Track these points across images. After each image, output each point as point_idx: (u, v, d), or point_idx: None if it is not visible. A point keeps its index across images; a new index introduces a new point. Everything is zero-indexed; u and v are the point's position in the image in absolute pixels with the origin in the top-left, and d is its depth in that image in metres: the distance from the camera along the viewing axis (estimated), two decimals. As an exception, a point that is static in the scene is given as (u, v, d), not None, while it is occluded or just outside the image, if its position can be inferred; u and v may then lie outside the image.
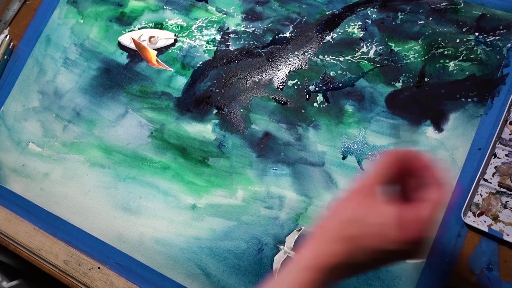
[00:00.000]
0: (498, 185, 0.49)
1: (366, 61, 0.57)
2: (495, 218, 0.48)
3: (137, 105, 0.64)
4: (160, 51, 0.66)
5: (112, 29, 0.69)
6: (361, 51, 0.58)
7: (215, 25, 0.64)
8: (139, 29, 0.68)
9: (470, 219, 0.49)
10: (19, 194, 0.66)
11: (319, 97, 0.58)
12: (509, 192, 0.48)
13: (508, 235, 0.47)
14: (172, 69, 0.65)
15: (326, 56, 0.59)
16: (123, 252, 0.59)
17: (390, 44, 0.57)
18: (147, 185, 0.60)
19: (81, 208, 0.62)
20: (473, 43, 0.54)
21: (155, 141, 0.62)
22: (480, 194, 0.49)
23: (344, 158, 0.55)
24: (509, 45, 0.52)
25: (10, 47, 0.72)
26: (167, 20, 0.67)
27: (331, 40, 0.59)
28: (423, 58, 0.55)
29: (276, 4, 0.63)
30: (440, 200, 0.32)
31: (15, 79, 0.71)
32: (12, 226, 0.64)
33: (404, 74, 0.55)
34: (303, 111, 0.58)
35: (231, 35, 0.63)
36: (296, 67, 0.60)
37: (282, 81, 0.60)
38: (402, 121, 0.54)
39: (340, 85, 0.57)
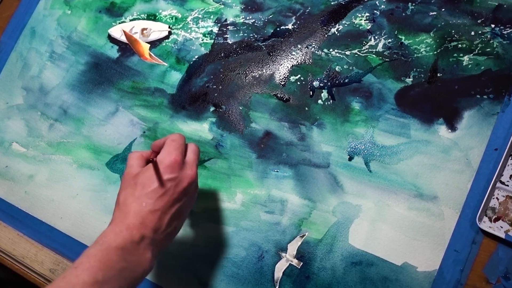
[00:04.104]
0: (516, 188, 0.49)
1: (374, 55, 0.57)
2: (513, 224, 0.48)
3: (128, 102, 0.64)
4: (153, 44, 0.66)
5: (102, 21, 0.69)
6: (368, 44, 0.58)
7: (212, 17, 0.64)
8: (130, 20, 0.67)
9: (485, 225, 0.49)
10: (1, 198, 0.66)
11: (324, 94, 0.58)
12: (528, 196, 0.48)
13: (526, 242, 0.47)
14: (166, 64, 0.65)
15: (331, 50, 0.59)
16: (114, 260, 0.59)
17: (400, 36, 0.57)
18: (139, 188, 0.60)
19: (69, 213, 0.62)
20: (489, 36, 0.54)
21: (148, 141, 0.62)
22: (497, 198, 0.49)
23: (350, 159, 0.55)
24: (527, 38, 0.52)
25: (-8, 40, 0.72)
26: (160, 11, 0.67)
27: (336, 32, 0.59)
28: (435, 52, 0.55)
29: (277, -6, 0.63)
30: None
31: (-2, 75, 0.71)
32: (-6, 232, 0.64)
33: (415, 69, 0.55)
34: (306, 108, 0.58)
35: (229, 27, 0.63)
36: (299, 61, 0.60)
37: (284, 77, 0.60)
38: (412, 119, 0.54)
39: (346, 80, 0.57)
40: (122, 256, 0.42)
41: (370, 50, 0.57)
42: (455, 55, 0.54)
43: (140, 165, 0.48)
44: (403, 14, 0.57)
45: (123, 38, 0.67)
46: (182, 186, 0.46)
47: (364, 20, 0.59)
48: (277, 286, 0.53)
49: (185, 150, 0.49)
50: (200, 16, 0.65)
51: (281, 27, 0.61)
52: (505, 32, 0.53)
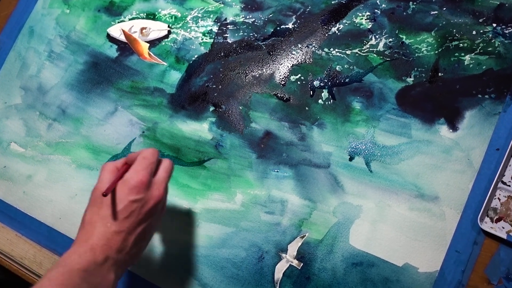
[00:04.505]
0: (518, 189, 0.49)
1: (375, 55, 0.57)
2: (514, 224, 0.48)
3: (127, 102, 0.64)
4: (153, 43, 0.66)
5: (101, 20, 0.69)
6: (369, 43, 0.58)
7: (212, 16, 0.64)
8: (129, 19, 0.67)
9: (487, 225, 0.49)
10: (0, 198, 0.65)
11: (324, 94, 0.58)
12: (530, 196, 0.48)
13: (528, 243, 0.47)
14: (165, 63, 0.64)
15: (331, 49, 0.59)
16: (113, 261, 0.59)
17: (401, 36, 0.57)
18: (138, 188, 0.60)
19: (67, 213, 0.62)
20: (490, 35, 0.54)
21: (147, 140, 0.62)
22: (498, 198, 0.49)
23: (351, 159, 0.55)
24: (529, 37, 0.52)
25: (-10, 39, 0.72)
26: (160, 10, 0.67)
27: (337, 31, 0.59)
28: (436, 51, 0.55)
29: (277, -7, 0.63)
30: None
31: (-4, 74, 0.71)
32: (-8, 233, 0.64)
33: (416, 69, 0.55)
34: (307, 108, 0.58)
35: (229, 26, 0.63)
36: (299, 61, 0.60)
37: (284, 76, 0.60)
38: (413, 119, 0.54)
39: (347, 80, 0.57)
40: (85, 278, 0.42)
41: (371, 49, 0.57)
42: (457, 54, 0.54)
43: (111, 180, 0.47)
44: (404, 13, 0.57)
45: (122, 38, 0.67)
46: (148, 207, 0.46)
47: (365, 19, 0.59)
48: (277, 287, 0.53)
49: (157, 166, 0.49)
50: (199, 15, 0.65)
51: (282, 26, 0.61)
52: (506, 31, 0.53)
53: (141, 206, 0.45)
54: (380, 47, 0.57)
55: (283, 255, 0.54)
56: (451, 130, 0.53)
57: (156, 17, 0.66)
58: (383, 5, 0.58)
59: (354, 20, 0.59)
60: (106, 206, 0.45)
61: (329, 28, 0.60)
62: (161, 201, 0.47)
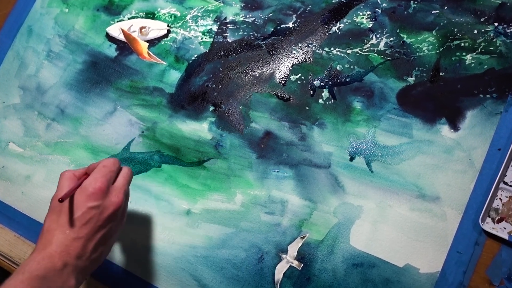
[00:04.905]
0: (519, 189, 0.49)
1: (375, 54, 0.57)
2: (516, 225, 0.48)
3: (126, 102, 0.64)
4: (152, 43, 0.65)
5: (100, 19, 0.69)
6: (370, 43, 0.58)
7: (211, 15, 0.64)
8: (129, 19, 0.67)
9: (488, 226, 0.49)
10: (-2, 199, 0.65)
11: (325, 93, 0.58)
12: (531, 197, 0.48)
13: (530, 243, 0.47)
14: (164, 63, 0.64)
15: (332, 49, 0.59)
16: (112, 262, 0.59)
17: (402, 35, 0.57)
18: (137, 188, 0.60)
19: (66, 214, 0.62)
20: (492, 34, 0.54)
21: (146, 140, 0.62)
22: (500, 199, 0.49)
23: (351, 159, 0.55)
24: (531, 36, 0.52)
25: (-12, 38, 0.72)
26: (159, 9, 0.67)
27: (337, 31, 0.59)
28: (437, 51, 0.55)
29: (277, -8, 0.63)
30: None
31: (-6, 74, 0.71)
32: (-9, 233, 0.64)
33: (417, 68, 0.55)
34: (307, 108, 0.58)
35: (229, 25, 0.63)
36: (299, 60, 0.60)
37: (285, 76, 0.60)
38: (414, 119, 0.54)
39: (347, 80, 0.57)
40: (45, 284, 0.42)
41: (371, 49, 0.57)
42: (458, 54, 0.54)
43: (70, 187, 0.47)
44: (405, 12, 0.57)
45: (121, 37, 0.67)
46: (106, 213, 0.46)
47: (366, 19, 0.58)
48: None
49: (117, 174, 0.49)
50: (199, 14, 0.65)
51: (282, 26, 0.61)
52: (508, 31, 0.53)
53: (100, 212, 0.46)
54: (381, 46, 0.57)
55: (283, 255, 0.54)
56: (452, 130, 0.52)
57: (156, 16, 0.66)
58: (384, 4, 0.58)
59: (355, 19, 0.59)
60: (64, 214, 0.46)
61: (330, 27, 0.60)
62: (121, 207, 0.48)
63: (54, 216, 0.46)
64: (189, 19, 0.65)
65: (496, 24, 0.54)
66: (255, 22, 0.63)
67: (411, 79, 0.55)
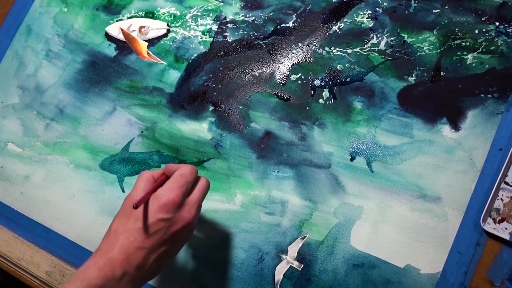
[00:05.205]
0: (521, 189, 0.49)
1: (376, 54, 0.57)
2: (517, 225, 0.48)
3: (126, 102, 0.64)
4: (151, 42, 0.65)
5: (99, 19, 0.68)
6: (371, 42, 0.58)
7: (211, 14, 0.64)
8: (128, 18, 0.67)
9: (490, 226, 0.49)
10: (-3, 199, 0.65)
11: (325, 93, 0.58)
12: (533, 197, 0.48)
13: (531, 244, 0.47)
14: (164, 62, 0.64)
15: (332, 48, 0.59)
16: (111, 262, 0.59)
17: (403, 34, 0.57)
18: (137, 189, 0.60)
19: (65, 214, 0.62)
20: (493, 34, 0.54)
21: (145, 140, 0.62)
22: (501, 199, 0.49)
23: (352, 159, 0.55)
24: (532, 36, 0.52)
25: (-13, 38, 0.72)
26: (159, 8, 0.67)
27: (338, 30, 0.59)
28: (438, 50, 0.55)
29: (278, -9, 0.63)
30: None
31: (-7, 73, 0.71)
32: (-11, 234, 0.64)
33: (418, 68, 0.55)
34: (307, 108, 0.58)
35: (228, 25, 0.63)
36: (299, 60, 0.60)
37: (285, 76, 0.60)
38: (415, 119, 0.54)
39: (348, 79, 0.57)
40: None
41: (372, 48, 0.57)
42: (459, 53, 0.54)
43: (146, 190, 0.46)
44: (406, 12, 0.57)
45: (121, 36, 0.67)
46: (175, 228, 0.45)
47: (366, 18, 0.58)
48: (278, 289, 0.53)
49: (193, 185, 0.47)
50: (199, 13, 0.65)
51: (282, 25, 0.61)
52: (509, 30, 0.53)
53: (168, 226, 0.44)
54: (382, 46, 0.57)
55: (284, 256, 0.54)
56: (453, 130, 0.52)
57: (155, 15, 0.66)
58: (384, 4, 0.58)
59: (355, 18, 0.59)
60: (134, 219, 0.44)
61: (330, 26, 0.59)
62: (190, 224, 0.46)
63: (123, 219, 0.45)
64: (189, 18, 0.65)
65: (497, 23, 0.54)
66: (255, 22, 0.62)
67: (411, 79, 0.55)
